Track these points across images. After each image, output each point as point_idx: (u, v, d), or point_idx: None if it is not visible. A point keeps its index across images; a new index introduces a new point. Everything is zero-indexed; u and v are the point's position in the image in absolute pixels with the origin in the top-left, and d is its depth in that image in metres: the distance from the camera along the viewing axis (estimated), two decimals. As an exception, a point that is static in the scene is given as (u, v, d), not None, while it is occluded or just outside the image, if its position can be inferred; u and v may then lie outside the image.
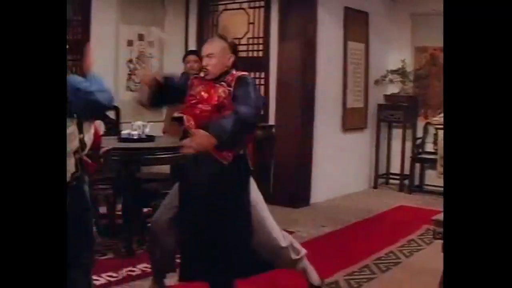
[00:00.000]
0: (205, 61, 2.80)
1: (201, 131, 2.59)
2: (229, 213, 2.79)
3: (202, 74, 2.82)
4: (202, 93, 2.78)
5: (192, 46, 6.47)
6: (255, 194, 2.93)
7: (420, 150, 6.90)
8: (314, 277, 3.21)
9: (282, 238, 2.99)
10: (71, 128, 2.39)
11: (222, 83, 2.79)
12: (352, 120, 6.64)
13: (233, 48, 2.89)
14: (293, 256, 3.04)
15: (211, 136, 2.56)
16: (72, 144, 2.42)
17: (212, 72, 2.79)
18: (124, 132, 4.48)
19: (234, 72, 2.84)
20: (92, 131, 2.75)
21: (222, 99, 2.73)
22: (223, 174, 2.76)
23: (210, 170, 2.75)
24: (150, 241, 3.09)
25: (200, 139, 2.57)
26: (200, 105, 2.76)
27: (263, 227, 2.91)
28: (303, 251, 3.12)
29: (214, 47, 2.83)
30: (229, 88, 2.75)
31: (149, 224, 3.06)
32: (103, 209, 4.51)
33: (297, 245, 3.12)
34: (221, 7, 6.49)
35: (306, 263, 3.15)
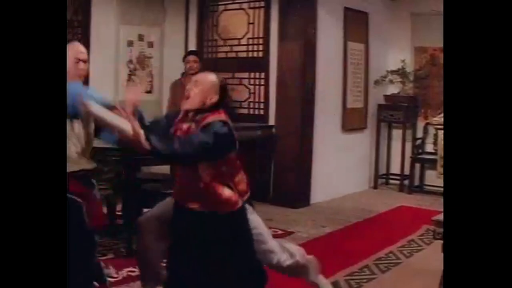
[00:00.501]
0: (189, 86, 2.69)
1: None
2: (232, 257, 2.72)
3: (183, 105, 2.71)
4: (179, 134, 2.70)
5: (192, 46, 6.48)
6: (255, 221, 2.89)
7: (420, 150, 6.90)
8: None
9: (285, 256, 3.00)
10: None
11: (193, 123, 2.67)
12: (352, 120, 6.64)
13: (223, 89, 2.74)
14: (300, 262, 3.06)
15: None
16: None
17: (192, 101, 2.65)
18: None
19: (210, 114, 2.67)
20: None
21: None
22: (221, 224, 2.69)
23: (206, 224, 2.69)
24: (139, 241, 3.02)
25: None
26: None
27: (264, 253, 2.91)
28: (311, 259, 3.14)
29: (203, 78, 2.71)
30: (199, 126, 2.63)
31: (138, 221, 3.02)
32: (103, 209, 4.51)
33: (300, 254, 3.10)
34: (221, 7, 6.49)
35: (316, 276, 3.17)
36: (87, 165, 2.80)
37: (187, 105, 2.67)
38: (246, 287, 2.78)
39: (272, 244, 2.97)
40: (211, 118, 2.63)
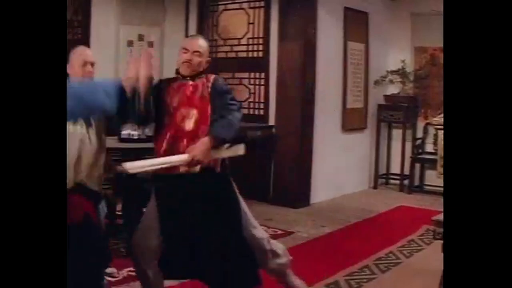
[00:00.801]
0: (189, 56, 2.81)
1: (199, 144, 2.62)
2: (222, 222, 2.76)
3: (183, 71, 2.82)
4: (184, 96, 2.79)
5: (192, 46, 6.47)
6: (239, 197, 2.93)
7: (420, 150, 6.90)
8: (298, 283, 3.14)
9: (266, 241, 2.98)
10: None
11: (199, 82, 2.83)
12: (352, 120, 6.64)
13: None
14: (276, 260, 3.00)
15: (208, 143, 2.61)
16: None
17: (195, 69, 2.82)
18: (124, 132, 4.48)
19: (206, 75, 2.89)
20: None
21: (203, 100, 2.78)
22: (208, 186, 2.74)
23: (195, 186, 2.71)
24: (136, 267, 2.93)
25: (198, 150, 2.60)
26: (182, 110, 2.76)
27: (248, 227, 2.90)
28: (287, 257, 3.08)
29: (201, 46, 2.86)
30: (208, 85, 2.81)
31: (132, 248, 2.92)
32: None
33: (280, 250, 3.06)
34: (221, 7, 6.49)
35: (289, 270, 3.11)
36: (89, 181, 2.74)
37: (191, 71, 2.82)
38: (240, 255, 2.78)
39: (261, 232, 2.98)
40: (210, 77, 2.86)
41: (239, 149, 2.80)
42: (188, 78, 2.83)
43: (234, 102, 2.84)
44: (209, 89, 2.80)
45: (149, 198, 2.92)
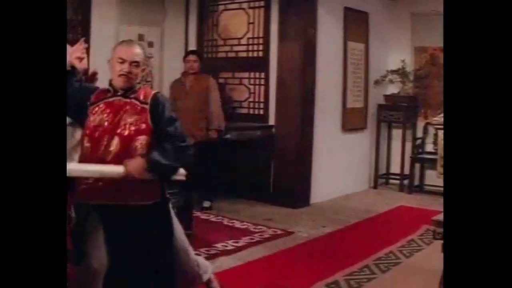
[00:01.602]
0: (127, 68, 2.55)
1: (136, 160, 2.44)
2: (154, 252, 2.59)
3: (119, 84, 2.57)
4: (108, 121, 2.52)
5: (192, 46, 6.48)
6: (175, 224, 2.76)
7: (420, 150, 6.90)
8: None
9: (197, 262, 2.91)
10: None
11: (132, 100, 2.57)
12: (352, 120, 6.64)
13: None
14: (204, 276, 2.98)
15: (144, 164, 2.42)
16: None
17: (133, 83, 2.59)
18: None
19: (141, 88, 2.66)
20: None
21: (136, 127, 2.53)
22: (147, 214, 2.56)
23: (133, 214, 2.54)
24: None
25: (134, 166, 2.42)
26: (106, 137, 2.51)
27: (185, 255, 2.79)
28: (211, 271, 3.08)
29: (139, 55, 2.61)
30: (144, 106, 2.55)
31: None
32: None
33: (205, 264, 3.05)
34: (221, 7, 6.49)
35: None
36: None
37: (128, 84, 2.56)
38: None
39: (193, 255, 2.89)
40: (147, 90, 2.66)
41: (178, 175, 2.60)
42: (119, 94, 2.57)
43: (176, 126, 2.58)
44: (147, 110, 2.55)
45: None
